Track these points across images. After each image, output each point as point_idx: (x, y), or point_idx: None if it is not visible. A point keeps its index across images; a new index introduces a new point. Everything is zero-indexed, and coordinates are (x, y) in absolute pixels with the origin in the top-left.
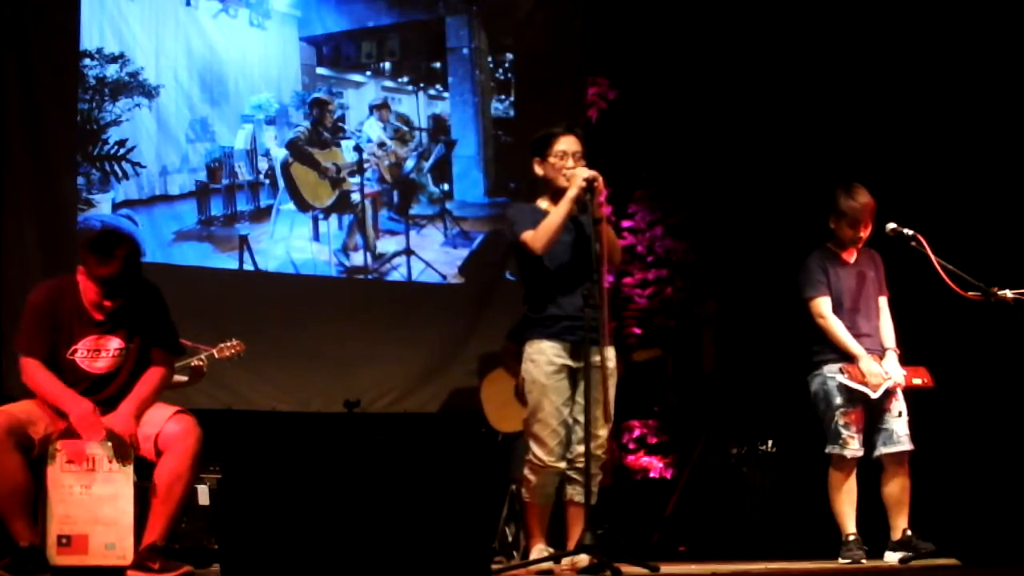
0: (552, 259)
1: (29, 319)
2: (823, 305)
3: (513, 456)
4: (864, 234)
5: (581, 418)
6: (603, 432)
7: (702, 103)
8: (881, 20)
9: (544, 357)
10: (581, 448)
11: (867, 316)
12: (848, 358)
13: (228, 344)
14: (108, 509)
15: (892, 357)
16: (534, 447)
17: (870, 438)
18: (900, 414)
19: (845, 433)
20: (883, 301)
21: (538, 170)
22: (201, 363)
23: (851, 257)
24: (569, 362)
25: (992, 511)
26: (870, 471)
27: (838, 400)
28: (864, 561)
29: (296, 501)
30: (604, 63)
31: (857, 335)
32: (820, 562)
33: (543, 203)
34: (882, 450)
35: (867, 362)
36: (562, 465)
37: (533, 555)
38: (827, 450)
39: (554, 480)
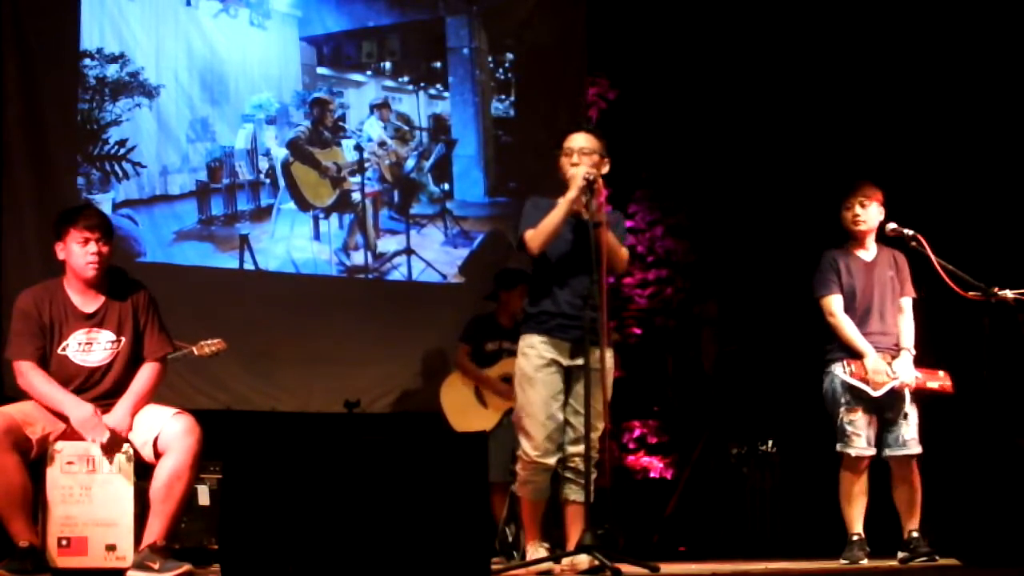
0: (554, 256)
1: (17, 324)
2: (833, 303)
3: (489, 459)
4: (859, 214)
5: (573, 419)
6: (594, 433)
7: (703, 103)
8: (881, 20)
9: (535, 351)
10: (574, 448)
11: (880, 316)
12: (856, 355)
13: (209, 342)
14: (108, 510)
15: (906, 358)
16: (522, 440)
17: (880, 439)
18: (907, 417)
19: (850, 430)
20: (906, 302)
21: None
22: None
23: (868, 255)
24: (560, 359)
25: (992, 511)
26: (883, 471)
27: (843, 398)
28: (865, 562)
29: (296, 501)
30: (604, 63)
31: (867, 334)
32: (820, 562)
33: (560, 199)
34: (887, 453)
35: (873, 360)
36: (550, 461)
37: (528, 553)
38: (837, 448)
39: (544, 476)
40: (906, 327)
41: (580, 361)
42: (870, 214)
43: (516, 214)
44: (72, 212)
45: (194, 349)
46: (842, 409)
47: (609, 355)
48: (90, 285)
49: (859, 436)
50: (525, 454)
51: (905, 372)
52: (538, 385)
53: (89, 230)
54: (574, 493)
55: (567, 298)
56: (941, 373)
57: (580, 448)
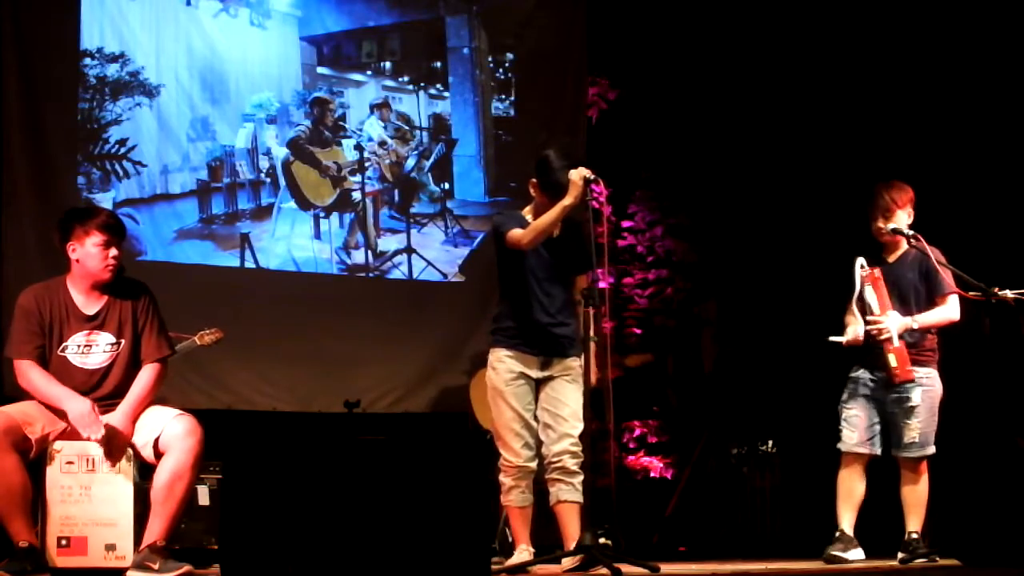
0: (524, 269)
1: (18, 322)
2: (847, 310)
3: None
4: (881, 226)
5: (551, 421)
6: (574, 432)
7: (703, 103)
8: (881, 20)
9: (503, 366)
10: (557, 447)
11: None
12: (866, 348)
13: (208, 331)
14: (108, 510)
15: (901, 319)
16: (501, 450)
17: (888, 437)
18: (913, 416)
19: (843, 426)
20: (948, 299)
21: (532, 191)
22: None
23: (892, 257)
24: (529, 372)
25: (992, 511)
26: (887, 469)
27: (844, 395)
28: (847, 554)
29: (296, 501)
30: (604, 63)
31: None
32: (820, 562)
33: (529, 215)
34: (893, 451)
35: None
36: (531, 464)
37: (515, 556)
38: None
39: (526, 480)
40: (931, 311)
41: (550, 372)
42: (888, 219)
43: None
44: (86, 213)
45: (195, 339)
46: (840, 405)
47: (576, 363)
48: (97, 286)
49: (853, 431)
50: (507, 461)
51: (892, 322)
52: (510, 398)
53: (110, 232)
54: (564, 493)
55: (537, 311)
56: (915, 371)
57: (562, 446)
